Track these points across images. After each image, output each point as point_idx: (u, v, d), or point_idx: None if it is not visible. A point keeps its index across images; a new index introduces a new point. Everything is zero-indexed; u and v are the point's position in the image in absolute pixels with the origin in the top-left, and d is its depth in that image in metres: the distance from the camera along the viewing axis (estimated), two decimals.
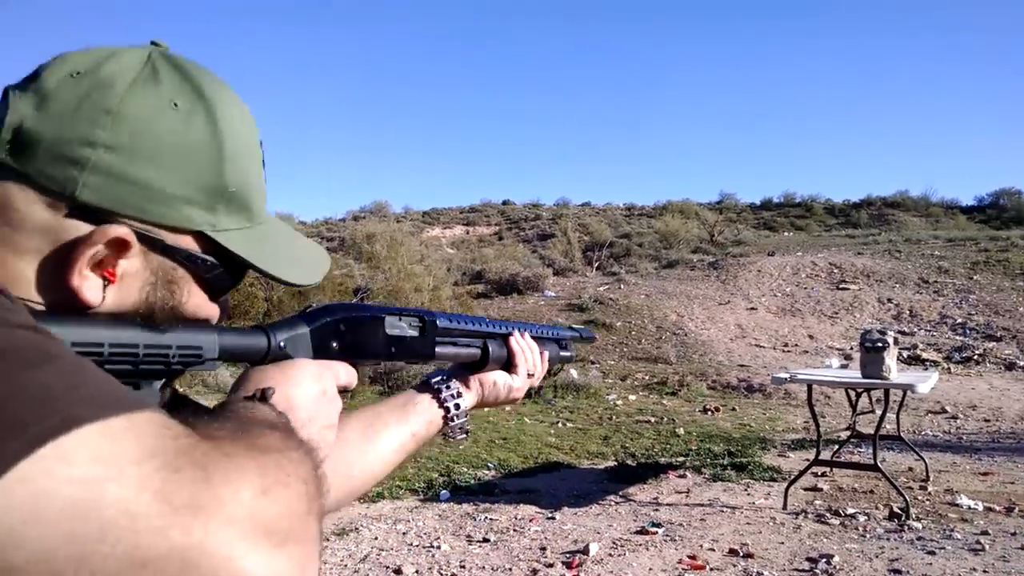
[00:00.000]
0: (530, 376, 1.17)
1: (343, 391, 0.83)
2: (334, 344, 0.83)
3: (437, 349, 1.01)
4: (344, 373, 0.83)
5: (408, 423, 1.04)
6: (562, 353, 1.31)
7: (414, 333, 0.96)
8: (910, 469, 6.15)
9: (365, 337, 0.88)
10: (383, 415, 1.04)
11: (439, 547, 4.36)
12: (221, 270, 0.69)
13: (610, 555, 4.21)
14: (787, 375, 5.62)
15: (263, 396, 0.67)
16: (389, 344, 0.92)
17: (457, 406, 1.08)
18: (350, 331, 0.85)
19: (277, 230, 0.76)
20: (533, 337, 1.19)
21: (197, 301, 0.69)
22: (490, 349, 1.11)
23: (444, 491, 5.58)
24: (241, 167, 0.69)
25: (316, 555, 0.50)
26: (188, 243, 0.67)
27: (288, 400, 0.71)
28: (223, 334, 0.71)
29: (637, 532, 4.62)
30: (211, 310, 0.72)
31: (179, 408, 0.66)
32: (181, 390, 0.74)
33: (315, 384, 0.76)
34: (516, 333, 1.16)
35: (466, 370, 1.12)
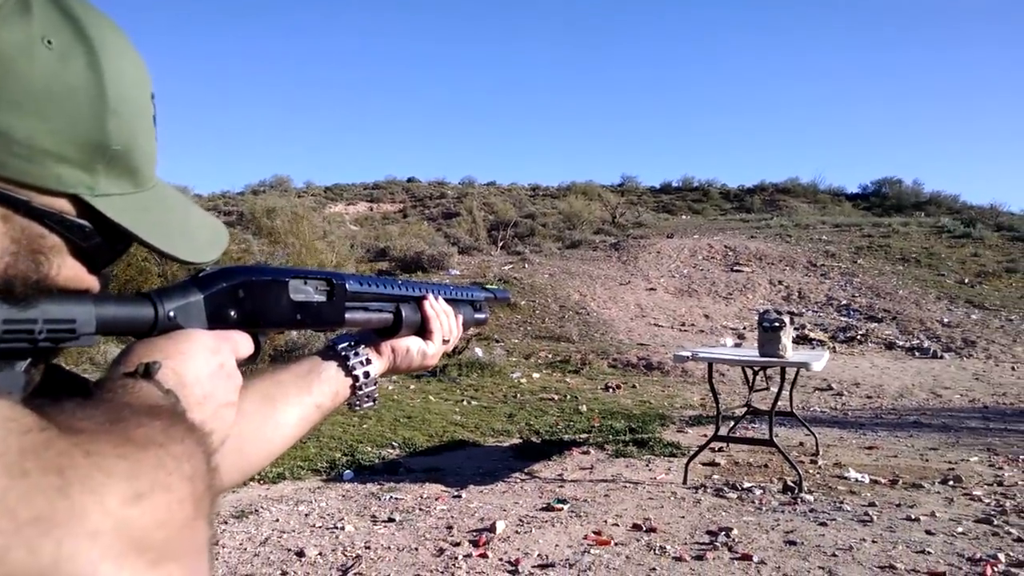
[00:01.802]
0: (445, 342, 1.09)
1: (243, 364, 0.73)
2: (232, 312, 0.74)
3: (347, 315, 0.92)
4: (244, 344, 0.74)
5: (312, 394, 0.94)
6: (476, 315, 1.24)
7: (322, 298, 0.87)
8: (801, 444, 6.42)
9: (267, 303, 0.79)
10: (283, 384, 0.92)
11: (343, 528, 4.26)
12: (99, 239, 0.59)
13: (517, 532, 4.21)
14: (688, 353, 5.74)
15: (147, 371, 0.57)
16: (294, 311, 0.83)
17: (367, 374, 0.98)
18: (250, 297, 0.76)
19: (168, 198, 0.66)
20: (447, 299, 1.12)
21: (71, 274, 0.58)
22: (403, 314, 1.02)
23: (347, 471, 5.46)
24: (127, 122, 0.58)
25: (204, 566, 0.43)
26: (62, 206, 0.56)
27: (179, 376, 0.61)
28: (101, 304, 0.60)
29: (543, 509, 4.65)
30: (89, 283, 0.61)
31: (55, 391, 0.56)
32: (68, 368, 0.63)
33: (211, 357, 0.66)
34: (431, 296, 1.08)
35: (377, 335, 1.03)
